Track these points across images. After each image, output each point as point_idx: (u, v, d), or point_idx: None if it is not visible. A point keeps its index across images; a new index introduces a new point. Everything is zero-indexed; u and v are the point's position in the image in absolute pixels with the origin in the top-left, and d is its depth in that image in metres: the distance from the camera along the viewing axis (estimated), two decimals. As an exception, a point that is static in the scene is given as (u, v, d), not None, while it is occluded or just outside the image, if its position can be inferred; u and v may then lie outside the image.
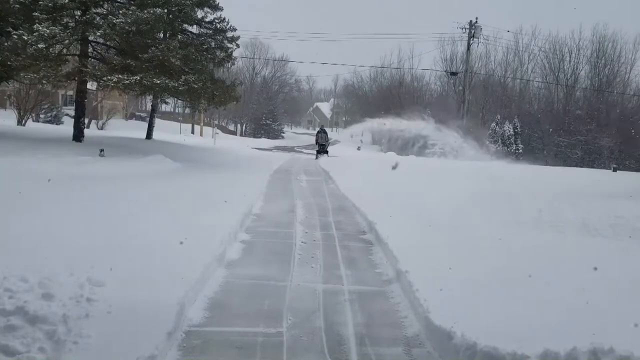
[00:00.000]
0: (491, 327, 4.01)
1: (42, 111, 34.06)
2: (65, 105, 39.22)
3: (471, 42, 36.55)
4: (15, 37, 14.09)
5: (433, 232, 7.61)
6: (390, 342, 4.21)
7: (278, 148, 41.68)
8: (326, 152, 26.17)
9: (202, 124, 49.96)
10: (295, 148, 47.72)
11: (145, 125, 28.16)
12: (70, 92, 31.36)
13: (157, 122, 28.57)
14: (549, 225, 8.62)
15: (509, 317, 4.31)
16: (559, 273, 5.71)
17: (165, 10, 16.03)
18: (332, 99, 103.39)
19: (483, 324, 4.05)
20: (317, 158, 24.93)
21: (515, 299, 4.77)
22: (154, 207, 8.07)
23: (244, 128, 65.83)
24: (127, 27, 15.11)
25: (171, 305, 4.20)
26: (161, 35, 17.45)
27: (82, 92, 17.88)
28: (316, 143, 27.11)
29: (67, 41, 15.91)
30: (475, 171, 17.80)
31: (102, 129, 35.05)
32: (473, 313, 4.37)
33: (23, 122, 28.83)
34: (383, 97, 62.24)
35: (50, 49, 15.16)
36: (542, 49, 52.81)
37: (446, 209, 9.49)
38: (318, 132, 27.85)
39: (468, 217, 8.81)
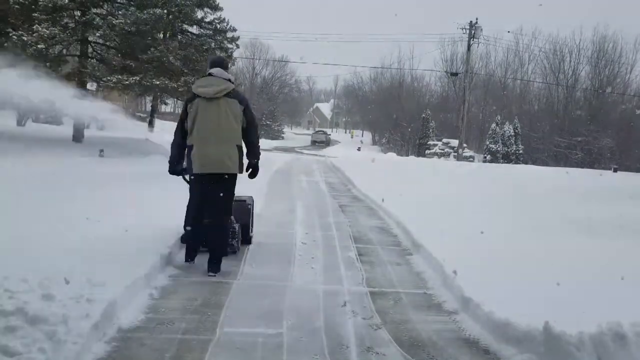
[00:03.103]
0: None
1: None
2: (65, 105, 39.20)
3: (471, 42, 36.52)
4: (15, 37, 14.12)
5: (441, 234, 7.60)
6: (388, 343, 4.21)
7: (278, 149, 41.73)
8: None
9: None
10: (296, 149, 47.78)
11: (145, 125, 28.16)
12: (70, 93, 31.33)
13: (157, 122, 28.58)
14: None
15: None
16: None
17: (165, 11, 16.07)
18: (332, 100, 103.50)
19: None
20: None
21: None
22: (154, 207, 8.06)
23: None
24: (126, 28, 15.15)
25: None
26: (161, 35, 17.48)
27: (82, 93, 17.89)
28: None
29: (66, 42, 15.94)
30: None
31: (101, 130, 35.00)
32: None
33: (23, 122, 28.82)
34: (383, 97, 62.29)
35: (50, 50, 15.19)
36: (543, 50, 52.85)
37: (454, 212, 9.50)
38: None
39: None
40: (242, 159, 5.56)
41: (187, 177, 5.75)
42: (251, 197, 6.92)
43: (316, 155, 35.37)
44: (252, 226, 6.85)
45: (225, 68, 5.57)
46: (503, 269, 5.84)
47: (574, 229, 8.74)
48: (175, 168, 5.70)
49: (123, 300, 4.33)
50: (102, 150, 15.08)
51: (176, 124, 5.62)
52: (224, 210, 5.55)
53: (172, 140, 5.58)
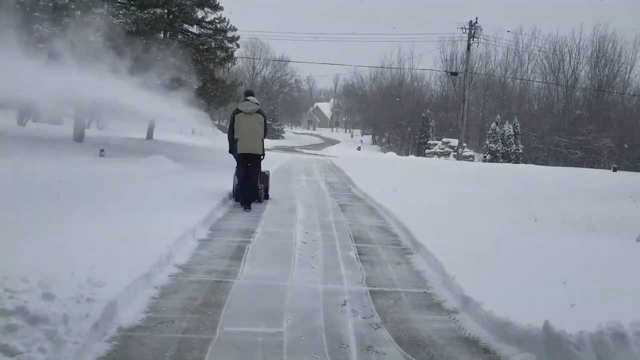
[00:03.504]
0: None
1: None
2: (66, 105, 39.16)
3: (471, 42, 36.50)
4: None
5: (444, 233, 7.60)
6: (388, 342, 4.21)
7: (278, 148, 41.76)
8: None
9: (202, 124, 49.92)
10: (296, 148, 47.78)
11: (145, 125, 28.16)
12: (71, 92, 31.29)
13: (157, 122, 28.54)
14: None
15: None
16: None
17: (166, 11, 16.07)
18: (332, 99, 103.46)
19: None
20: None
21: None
22: (155, 208, 8.07)
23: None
24: (127, 28, 15.12)
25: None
26: (161, 35, 17.46)
27: (82, 92, 17.88)
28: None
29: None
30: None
31: (102, 129, 35.01)
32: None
33: (23, 122, 28.81)
34: (383, 97, 62.25)
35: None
36: (542, 49, 52.84)
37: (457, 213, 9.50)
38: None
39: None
40: (263, 147, 9.74)
41: (235, 155, 9.64)
42: (268, 170, 10.91)
43: (316, 155, 35.40)
44: (269, 188, 10.71)
45: (254, 95, 9.92)
46: (504, 268, 5.85)
47: (574, 228, 8.75)
48: (232, 151, 9.63)
49: (123, 299, 4.33)
50: (102, 150, 15.07)
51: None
52: (254, 174, 9.72)
53: (228, 136, 9.80)
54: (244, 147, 9.38)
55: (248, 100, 9.66)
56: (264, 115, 9.67)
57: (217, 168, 14.17)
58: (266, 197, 10.46)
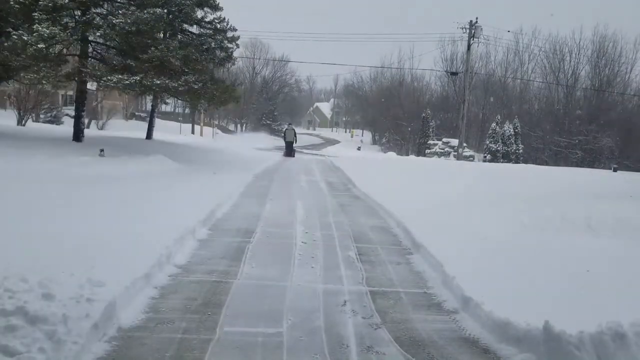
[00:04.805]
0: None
1: (42, 111, 34.00)
2: (65, 105, 39.19)
3: (471, 42, 36.43)
4: (15, 37, 14.08)
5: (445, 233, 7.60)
6: (388, 342, 4.21)
7: (279, 148, 41.65)
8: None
9: (202, 124, 49.91)
10: (296, 148, 47.61)
11: (145, 125, 28.18)
12: (70, 92, 31.34)
13: (157, 122, 28.57)
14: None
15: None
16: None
17: (165, 10, 16.03)
18: (332, 99, 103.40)
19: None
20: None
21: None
22: (155, 209, 8.07)
23: (243, 128, 65.75)
24: (127, 27, 15.09)
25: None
26: (161, 35, 17.42)
27: (82, 92, 17.87)
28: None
29: (66, 41, 15.89)
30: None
31: (102, 129, 35.03)
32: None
33: (23, 122, 28.82)
34: (383, 97, 62.21)
35: (50, 49, 15.12)
36: (543, 49, 52.71)
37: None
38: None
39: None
40: (295, 140, 26.89)
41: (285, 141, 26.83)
42: (295, 149, 27.00)
43: (316, 155, 35.36)
44: (295, 152, 26.50)
45: (292, 124, 29.64)
46: (504, 269, 5.84)
47: (574, 228, 8.74)
48: (284, 139, 27.09)
49: (123, 300, 4.33)
50: (102, 150, 15.02)
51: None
52: (290, 148, 26.46)
53: (283, 137, 27.76)
54: (287, 139, 25.86)
55: (290, 124, 27.47)
56: (294, 130, 26.29)
57: (214, 168, 14.17)
58: (293, 155, 25.22)
